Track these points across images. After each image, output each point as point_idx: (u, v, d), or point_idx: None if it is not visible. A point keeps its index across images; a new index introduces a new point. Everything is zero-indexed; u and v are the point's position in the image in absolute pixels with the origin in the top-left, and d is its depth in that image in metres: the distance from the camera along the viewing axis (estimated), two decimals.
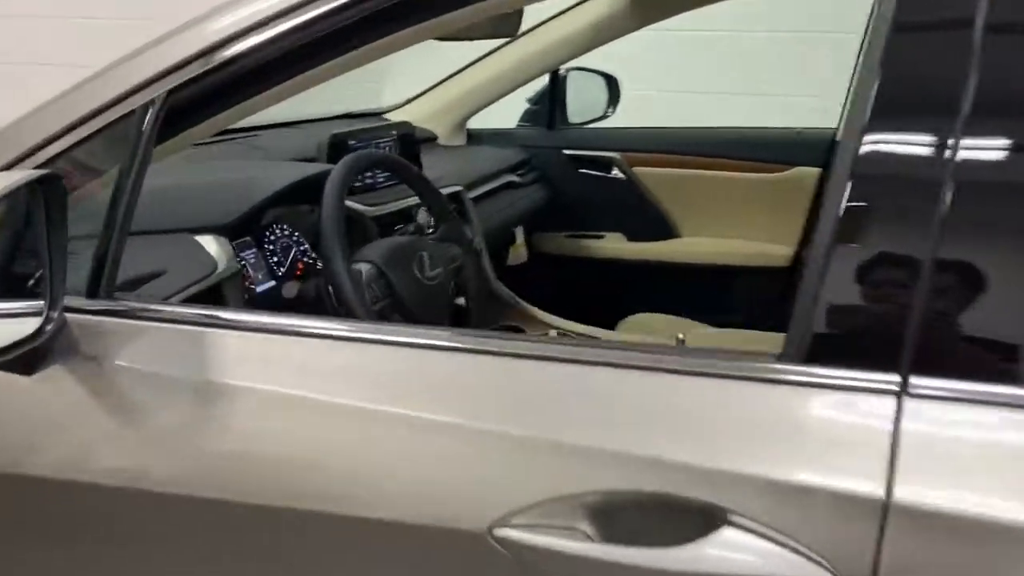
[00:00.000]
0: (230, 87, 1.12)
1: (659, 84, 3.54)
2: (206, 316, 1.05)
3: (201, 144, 2.08)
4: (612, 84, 2.79)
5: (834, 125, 2.40)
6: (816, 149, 2.41)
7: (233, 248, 1.46)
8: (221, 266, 1.37)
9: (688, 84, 3.64)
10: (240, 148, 2.12)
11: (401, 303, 1.45)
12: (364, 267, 1.43)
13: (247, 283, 1.58)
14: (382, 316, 1.43)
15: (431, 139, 2.66)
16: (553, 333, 2.04)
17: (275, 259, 1.65)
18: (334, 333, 0.97)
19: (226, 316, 1.05)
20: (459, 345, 0.94)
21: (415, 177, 1.63)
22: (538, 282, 2.65)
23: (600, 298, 2.66)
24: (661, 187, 2.60)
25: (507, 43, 2.47)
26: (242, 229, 1.59)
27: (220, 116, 1.15)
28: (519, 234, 2.45)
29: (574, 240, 2.68)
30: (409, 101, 2.72)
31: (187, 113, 1.13)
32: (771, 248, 2.50)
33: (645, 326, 2.31)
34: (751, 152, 2.52)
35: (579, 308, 2.64)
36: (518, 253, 2.45)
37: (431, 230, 1.74)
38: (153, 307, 1.10)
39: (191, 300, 1.29)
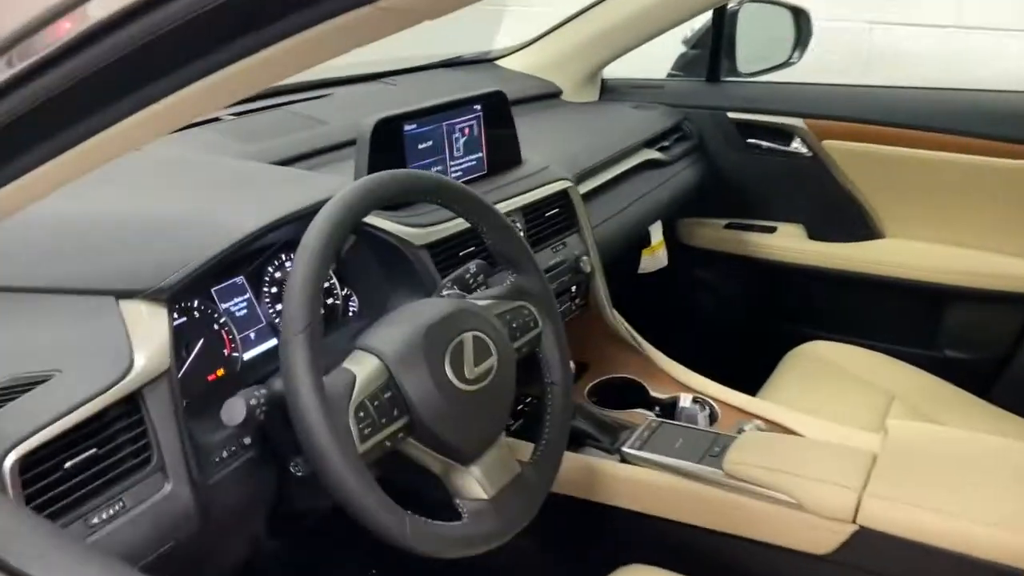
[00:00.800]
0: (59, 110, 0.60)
1: (876, 13, 2.66)
2: None
3: (244, 113, 1.61)
4: (801, 19, 2.12)
5: None
6: None
7: (176, 323, 0.98)
8: (140, 363, 0.87)
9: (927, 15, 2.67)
10: (292, 120, 1.61)
11: (417, 425, 0.92)
12: (362, 368, 0.91)
13: (229, 351, 1.10)
14: (385, 455, 0.90)
15: (554, 94, 2.09)
16: (685, 397, 1.45)
17: (280, 307, 1.15)
18: None
19: None
20: None
21: (470, 206, 1.07)
22: (680, 286, 2.09)
23: (763, 313, 2.09)
24: (860, 168, 1.97)
25: None
26: (236, 265, 1.11)
27: (55, 163, 0.63)
28: (656, 232, 1.86)
29: (735, 232, 2.12)
30: (529, 44, 2.15)
31: None
32: (1012, 264, 1.85)
33: (822, 361, 1.70)
34: (996, 126, 1.81)
35: (733, 326, 2.08)
36: (654, 257, 1.86)
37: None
38: None
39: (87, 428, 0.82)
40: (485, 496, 0.97)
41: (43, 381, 0.84)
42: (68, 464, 0.81)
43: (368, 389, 0.89)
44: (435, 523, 0.90)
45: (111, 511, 0.84)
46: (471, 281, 1.16)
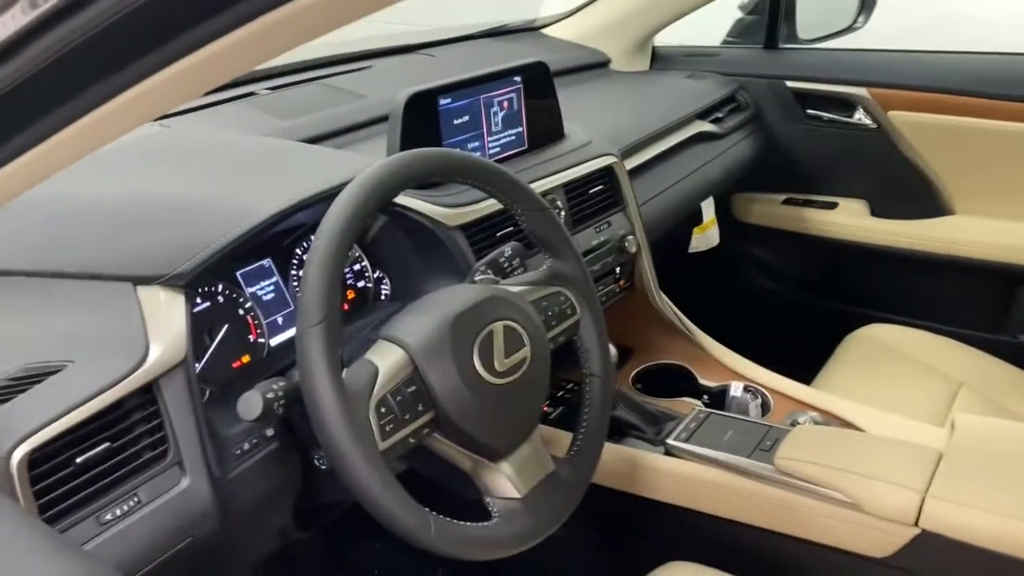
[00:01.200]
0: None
1: None
2: None
3: (279, 87, 1.57)
4: None
5: None
6: None
7: (198, 309, 0.95)
8: (155, 353, 0.84)
9: None
10: (328, 93, 1.57)
11: (444, 421, 0.87)
12: (385, 360, 0.86)
13: (255, 336, 1.06)
14: (410, 451, 0.85)
15: (602, 64, 2.01)
16: (735, 385, 1.38)
17: None
18: None
19: None
20: None
21: (503, 185, 1.00)
22: (733, 265, 2.00)
23: (821, 294, 2.01)
24: (927, 141, 1.86)
25: None
26: (263, 247, 1.07)
27: (73, 129, 0.57)
28: (708, 209, 1.78)
29: (793, 208, 2.03)
30: (576, 10, 2.08)
31: None
32: None
33: (883, 345, 1.61)
34: None
35: (788, 309, 1.99)
36: (705, 235, 1.78)
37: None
38: None
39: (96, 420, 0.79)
40: (517, 495, 0.91)
41: (55, 371, 0.81)
42: (80, 459, 0.78)
43: (391, 383, 0.84)
44: (461, 523, 0.85)
45: (125, 507, 0.81)
46: (506, 264, 1.10)
